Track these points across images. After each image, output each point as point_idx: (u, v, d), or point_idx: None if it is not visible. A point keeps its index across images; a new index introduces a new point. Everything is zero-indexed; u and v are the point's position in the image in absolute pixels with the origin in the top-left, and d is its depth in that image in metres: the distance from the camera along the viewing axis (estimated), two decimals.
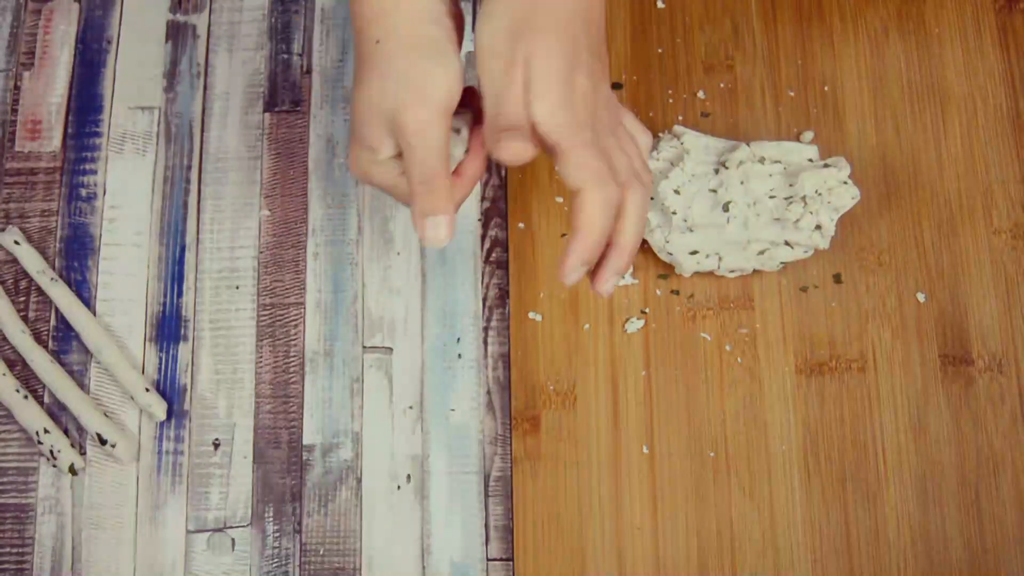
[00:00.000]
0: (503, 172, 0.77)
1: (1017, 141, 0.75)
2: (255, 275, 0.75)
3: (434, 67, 0.57)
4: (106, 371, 0.73)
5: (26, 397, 0.72)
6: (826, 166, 0.71)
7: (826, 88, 0.77)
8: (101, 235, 0.76)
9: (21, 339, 0.73)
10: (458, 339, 0.73)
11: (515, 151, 0.56)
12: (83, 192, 0.77)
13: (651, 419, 0.71)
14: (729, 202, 0.70)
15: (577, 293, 0.73)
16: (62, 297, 0.74)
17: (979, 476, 0.69)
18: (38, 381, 0.73)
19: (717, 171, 0.71)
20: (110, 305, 0.75)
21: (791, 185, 0.70)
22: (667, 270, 0.73)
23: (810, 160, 0.72)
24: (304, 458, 0.72)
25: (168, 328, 0.74)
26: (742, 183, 0.70)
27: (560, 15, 0.57)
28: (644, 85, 0.77)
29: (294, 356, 0.73)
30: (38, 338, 0.74)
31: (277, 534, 0.71)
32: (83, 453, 0.72)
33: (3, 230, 0.76)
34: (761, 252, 0.71)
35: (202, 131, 0.78)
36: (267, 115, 0.79)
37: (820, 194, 0.70)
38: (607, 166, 0.57)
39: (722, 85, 0.77)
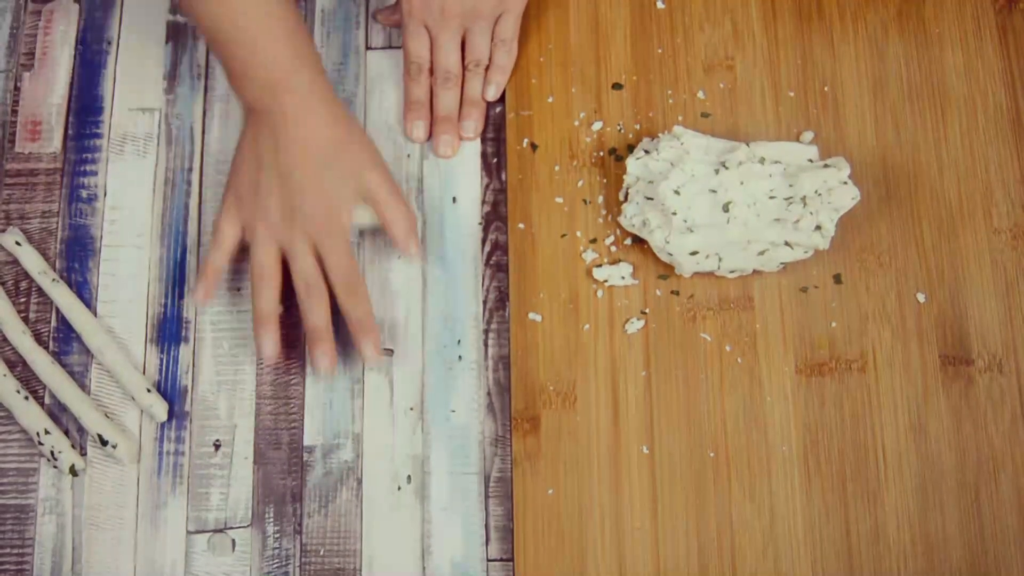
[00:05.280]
0: (503, 175, 0.77)
1: (1017, 141, 0.75)
2: None
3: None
4: (107, 372, 0.73)
5: (27, 398, 0.72)
6: (826, 166, 0.71)
7: (826, 88, 0.77)
8: (102, 236, 0.76)
9: (22, 340, 0.73)
10: (458, 341, 0.73)
11: None
12: (84, 193, 0.77)
13: (651, 419, 0.71)
14: (729, 202, 0.70)
15: (577, 293, 0.73)
16: (63, 298, 0.74)
17: (979, 476, 0.69)
18: (39, 382, 0.73)
19: (717, 171, 0.71)
20: (111, 306, 0.75)
21: (791, 185, 0.71)
22: (667, 270, 0.73)
23: (810, 160, 0.72)
24: (305, 459, 0.72)
25: (169, 329, 0.74)
26: (742, 183, 0.70)
27: None
28: (644, 85, 0.77)
29: (295, 358, 0.73)
30: (39, 339, 0.74)
31: (277, 535, 0.71)
32: (84, 454, 0.72)
33: (4, 231, 0.76)
34: (761, 252, 0.71)
35: (203, 133, 0.78)
36: None
37: (820, 194, 0.70)
38: None
39: (722, 85, 0.77)
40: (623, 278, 0.73)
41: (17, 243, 0.75)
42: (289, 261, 0.70)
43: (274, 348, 0.70)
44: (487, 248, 0.76)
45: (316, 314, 0.69)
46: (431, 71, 0.77)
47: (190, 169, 0.78)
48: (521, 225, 0.75)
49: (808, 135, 0.76)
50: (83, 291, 0.75)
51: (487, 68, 0.77)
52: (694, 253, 0.70)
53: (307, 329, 0.70)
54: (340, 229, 0.70)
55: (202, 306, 0.72)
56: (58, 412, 0.73)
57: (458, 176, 0.77)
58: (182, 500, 0.71)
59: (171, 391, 0.73)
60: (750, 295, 0.73)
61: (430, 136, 0.78)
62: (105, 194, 0.77)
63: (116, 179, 0.78)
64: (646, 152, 0.72)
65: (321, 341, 0.70)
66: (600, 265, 0.73)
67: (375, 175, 0.71)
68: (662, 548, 0.69)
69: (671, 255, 0.71)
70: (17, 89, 0.80)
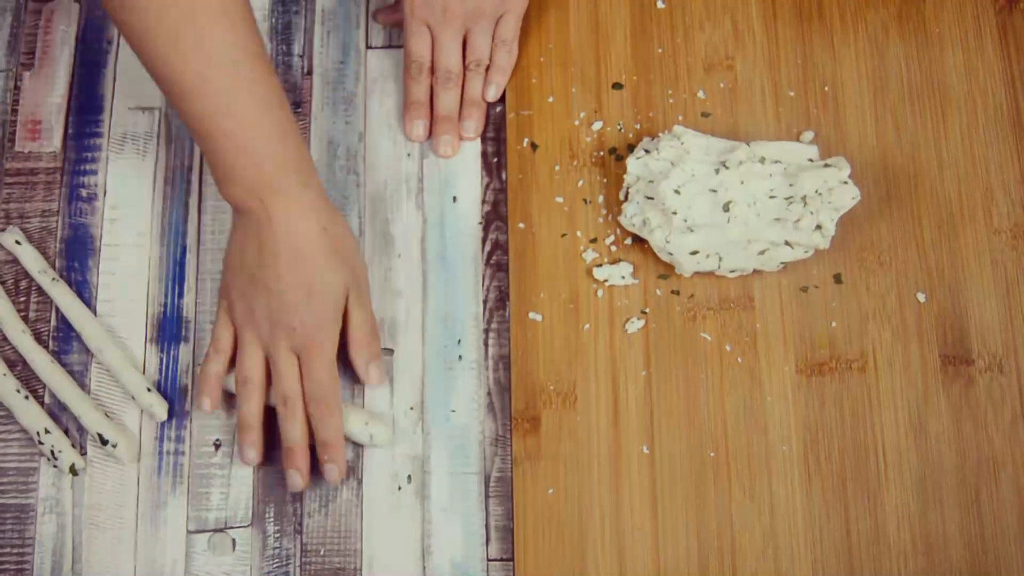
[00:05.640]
0: (504, 175, 0.77)
1: (1017, 141, 0.76)
2: None
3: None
4: (107, 371, 0.73)
5: (27, 397, 0.72)
6: (826, 166, 0.71)
7: (826, 88, 0.77)
8: (102, 236, 0.76)
9: (22, 339, 0.73)
10: (459, 341, 0.73)
11: None
12: (83, 192, 0.77)
13: (651, 419, 0.71)
14: (729, 202, 0.70)
15: (577, 293, 0.73)
16: (63, 297, 0.74)
17: (979, 476, 0.69)
18: (39, 381, 0.73)
19: (717, 171, 0.71)
20: (111, 305, 0.75)
21: (791, 185, 0.71)
22: (667, 270, 0.73)
23: (810, 160, 0.72)
24: None
25: (169, 329, 0.74)
26: (742, 183, 0.70)
27: None
28: (644, 85, 0.77)
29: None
30: (39, 338, 0.74)
31: (278, 534, 0.71)
32: (84, 453, 0.72)
33: (4, 230, 0.76)
34: (761, 252, 0.71)
35: None
36: None
37: (820, 194, 0.70)
38: None
39: (722, 85, 0.77)
40: (623, 278, 0.73)
41: (17, 242, 0.75)
42: (272, 371, 0.69)
43: (256, 455, 0.69)
44: (487, 248, 0.76)
45: (292, 430, 0.68)
46: (431, 71, 0.77)
47: (190, 168, 0.78)
48: (521, 225, 0.75)
49: (808, 135, 0.76)
50: (83, 290, 0.75)
51: (487, 68, 0.77)
52: (694, 253, 0.70)
53: (283, 444, 0.69)
54: (324, 346, 0.68)
55: (209, 412, 0.71)
56: (58, 411, 0.73)
57: (458, 176, 0.77)
58: (182, 500, 0.71)
59: (171, 390, 0.73)
60: (750, 295, 0.73)
61: (430, 135, 0.78)
62: (105, 193, 0.77)
63: (116, 178, 0.78)
64: (646, 152, 0.72)
65: (295, 458, 0.68)
66: (600, 265, 0.73)
67: (356, 306, 0.69)
68: (662, 548, 0.69)
69: (671, 255, 0.71)
70: (17, 88, 0.80)
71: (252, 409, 0.69)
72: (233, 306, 0.69)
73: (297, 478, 0.68)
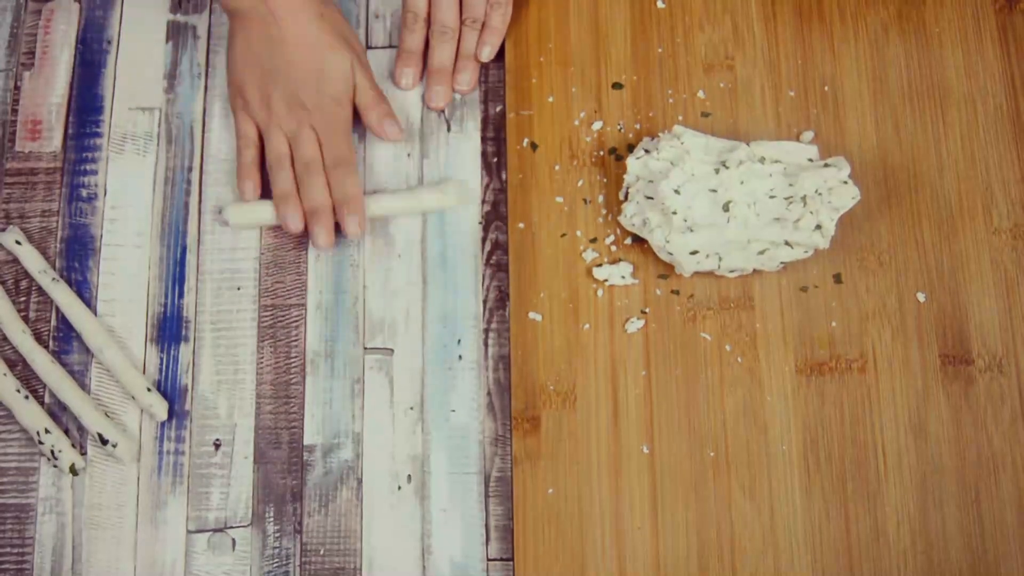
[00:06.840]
0: (504, 175, 0.77)
1: (1017, 141, 0.76)
2: (256, 276, 0.75)
3: None
4: (107, 371, 0.73)
5: (27, 397, 0.72)
6: (826, 166, 0.71)
7: (826, 88, 0.77)
8: (102, 236, 0.76)
9: (22, 339, 0.73)
10: (459, 341, 0.73)
11: None
12: (84, 192, 0.77)
13: (651, 419, 0.71)
14: (729, 202, 0.70)
15: (577, 293, 0.73)
16: (63, 297, 0.74)
17: (979, 476, 0.69)
18: (39, 381, 0.73)
19: (717, 171, 0.71)
20: (111, 305, 0.75)
21: (791, 185, 0.71)
22: (667, 270, 0.73)
23: (810, 160, 0.72)
24: (305, 458, 0.72)
25: (169, 329, 0.74)
26: (742, 183, 0.70)
27: None
28: (644, 85, 0.77)
29: (295, 357, 0.74)
30: (39, 338, 0.74)
31: (278, 534, 0.71)
32: (84, 453, 0.72)
33: (4, 230, 0.76)
34: (761, 252, 0.71)
35: (203, 132, 0.78)
36: None
37: (820, 194, 0.70)
38: None
39: (722, 85, 0.77)
40: (623, 277, 0.73)
41: (17, 242, 0.75)
42: (293, 148, 0.74)
43: (298, 221, 0.73)
44: (487, 248, 0.76)
45: (314, 191, 0.73)
46: (427, 23, 0.79)
47: (190, 168, 0.78)
48: (521, 225, 0.75)
49: (808, 135, 0.76)
50: (83, 290, 0.75)
51: (482, 30, 0.78)
52: (694, 252, 0.70)
53: (307, 209, 0.73)
54: (341, 118, 0.75)
55: (252, 198, 0.75)
56: (58, 411, 0.73)
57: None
58: (182, 499, 0.71)
59: (171, 390, 0.73)
60: (750, 295, 0.73)
61: (416, 87, 0.80)
62: (105, 193, 0.77)
63: (116, 178, 0.78)
64: (646, 151, 0.72)
65: (319, 218, 0.73)
66: (600, 264, 0.73)
67: (361, 77, 0.76)
68: (662, 548, 0.69)
69: (671, 254, 0.71)
70: (17, 88, 0.80)
71: (286, 181, 0.74)
72: (249, 102, 0.75)
73: (323, 233, 0.73)
